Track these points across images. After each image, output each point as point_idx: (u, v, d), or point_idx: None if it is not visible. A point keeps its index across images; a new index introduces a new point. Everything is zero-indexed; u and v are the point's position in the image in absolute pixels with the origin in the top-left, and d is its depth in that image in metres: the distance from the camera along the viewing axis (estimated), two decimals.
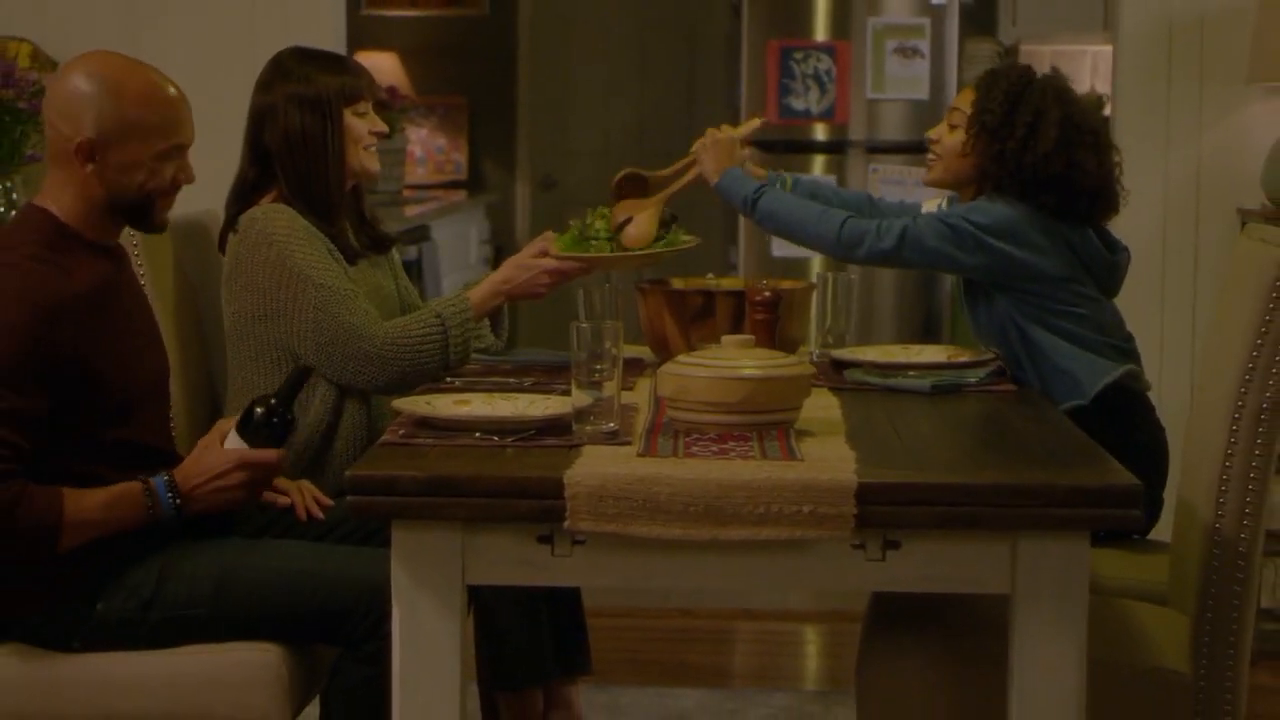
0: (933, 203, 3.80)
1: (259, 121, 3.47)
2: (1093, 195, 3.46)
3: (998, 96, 3.47)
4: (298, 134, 3.44)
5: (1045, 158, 3.43)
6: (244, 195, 3.48)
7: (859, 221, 3.43)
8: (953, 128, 3.55)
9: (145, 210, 2.95)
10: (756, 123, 3.67)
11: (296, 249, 3.36)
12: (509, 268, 3.53)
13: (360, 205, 3.62)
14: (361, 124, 3.48)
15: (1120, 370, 3.43)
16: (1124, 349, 3.50)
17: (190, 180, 2.98)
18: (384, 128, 3.53)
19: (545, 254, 3.50)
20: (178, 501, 2.87)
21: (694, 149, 3.64)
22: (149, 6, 4.98)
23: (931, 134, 3.61)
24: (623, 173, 3.66)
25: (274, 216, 3.39)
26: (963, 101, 3.55)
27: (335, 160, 3.46)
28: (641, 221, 3.55)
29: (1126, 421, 3.39)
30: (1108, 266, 3.51)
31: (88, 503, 2.82)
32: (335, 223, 3.48)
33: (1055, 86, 3.52)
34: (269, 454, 2.93)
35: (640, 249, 3.52)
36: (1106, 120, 3.54)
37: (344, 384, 3.39)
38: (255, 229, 3.38)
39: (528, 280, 3.50)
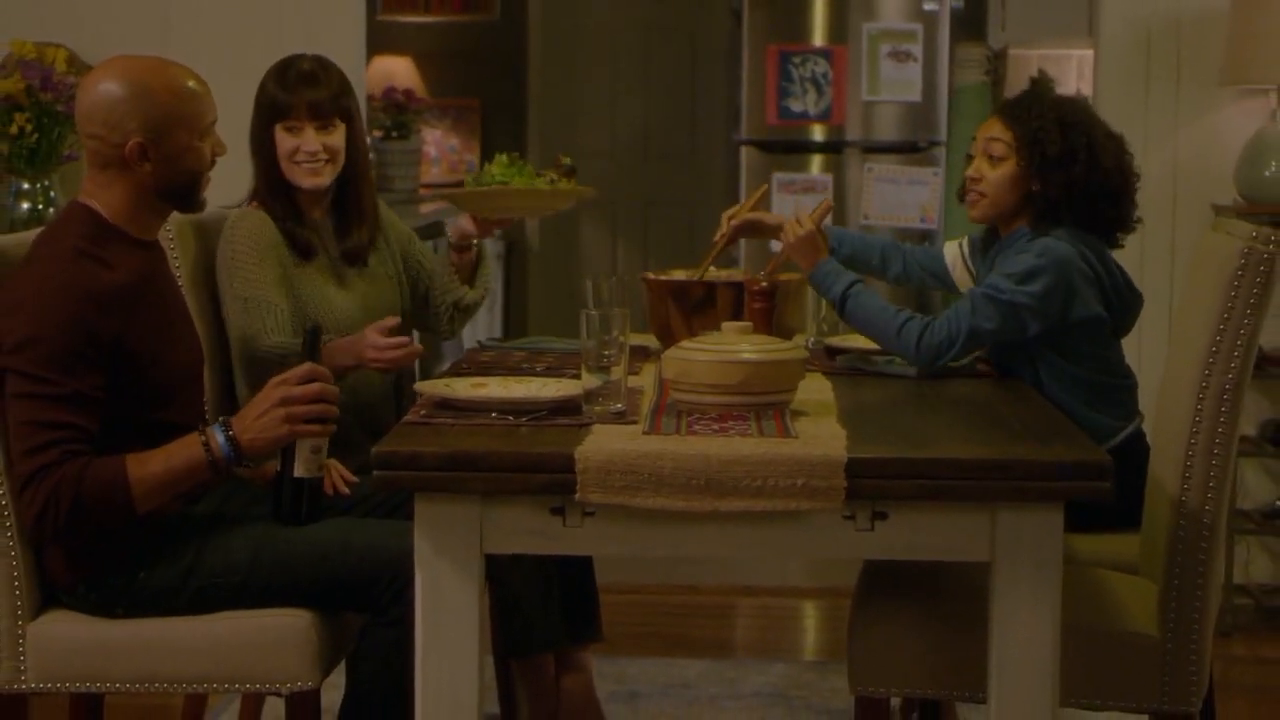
0: (953, 241, 3.77)
1: None
2: (1131, 195, 3.48)
3: (1050, 126, 3.41)
4: (250, 136, 3.62)
5: (1106, 174, 3.41)
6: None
7: (931, 335, 3.34)
8: (994, 160, 3.46)
9: (193, 191, 3.04)
10: (827, 205, 3.66)
11: (240, 261, 3.48)
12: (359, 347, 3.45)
13: (348, 215, 3.69)
14: (289, 140, 3.57)
15: (1116, 439, 3.40)
16: (1126, 385, 3.49)
17: (224, 151, 3.08)
18: (315, 147, 3.57)
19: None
20: (231, 434, 2.91)
21: (782, 243, 3.59)
22: (180, 13, 5.04)
23: (971, 173, 3.50)
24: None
25: (237, 225, 3.53)
26: (997, 133, 3.46)
27: (271, 166, 3.59)
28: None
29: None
30: (1126, 308, 3.49)
31: (148, 459, 2.89)
32: (287, 219, 3.59)
33: (1081, 104, 3.50)
34: (298, 372, 2.96)
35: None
36: None
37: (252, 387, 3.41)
38: (224, 236, 3.54)
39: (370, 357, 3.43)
